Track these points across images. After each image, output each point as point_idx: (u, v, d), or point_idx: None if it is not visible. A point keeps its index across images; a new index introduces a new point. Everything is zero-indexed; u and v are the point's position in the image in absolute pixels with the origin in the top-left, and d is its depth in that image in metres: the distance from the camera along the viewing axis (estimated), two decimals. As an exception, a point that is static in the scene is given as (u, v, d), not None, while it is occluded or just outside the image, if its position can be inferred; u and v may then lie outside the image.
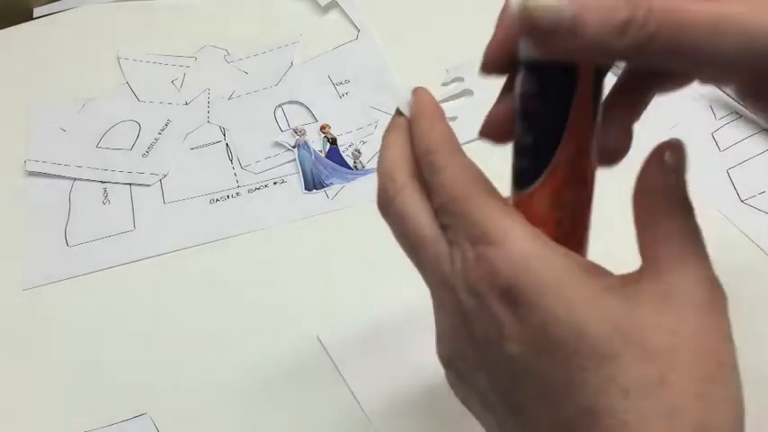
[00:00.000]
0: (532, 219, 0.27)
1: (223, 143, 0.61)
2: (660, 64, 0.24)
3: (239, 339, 0.48)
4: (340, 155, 0.58)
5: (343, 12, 0.72)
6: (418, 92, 0.30)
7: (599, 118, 0.27)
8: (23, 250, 0.54)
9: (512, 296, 0.25)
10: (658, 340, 0.23)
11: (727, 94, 0.59)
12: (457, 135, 0.63)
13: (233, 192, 0.57)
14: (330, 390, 0.44)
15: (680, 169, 0.26)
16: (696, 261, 0.25)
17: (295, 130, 0.60)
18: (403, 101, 0.30)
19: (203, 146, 0.61)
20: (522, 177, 0.28)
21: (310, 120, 0.62)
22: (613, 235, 0.51)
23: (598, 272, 0.25)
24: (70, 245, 0.54)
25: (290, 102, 0.64)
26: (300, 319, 0.48)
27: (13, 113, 0.65)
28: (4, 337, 0.49)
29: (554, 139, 0.26)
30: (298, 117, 0.62)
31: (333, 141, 0.59)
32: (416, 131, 0.29)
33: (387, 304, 0.47)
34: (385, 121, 0.60)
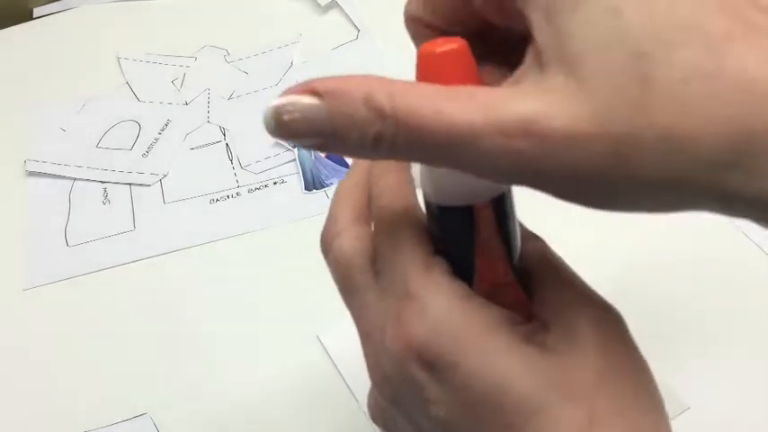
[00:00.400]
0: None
1: (223, 143, 0.61)
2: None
3: (239, 339, 0.48)
4: (340, 155, 0.58)
5: (343, 12, 0.72)
6: None
7: (516, 242, 0.27)
8: (23, 250, 0.54)
9: (429, 359, 0.24)
10: (578, 380, 0.23)
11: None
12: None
13: (233, 192, 0.57)
14: (330, 390, 0.44)
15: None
16: (585, 297, 0.25)
17: (295, 130, 0.60)
18: None
19: (203, 146, 0.61)
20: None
21: (310, 120, 0.62)
22: (608, 230, 0.51)
23: (515, 322, 0.25)
24: (70, 245, 0.54)
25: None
26: (300, 319, 0.48)
27: (13, 113, 0.65)
28: (4, 337, 0.49)
29: (469, 275, 0.26)
30: (298, 117, 0.62)
31: (333, 141, 0.59)
32: (372, 173, 0.29)
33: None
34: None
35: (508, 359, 0.23)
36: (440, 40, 0.23)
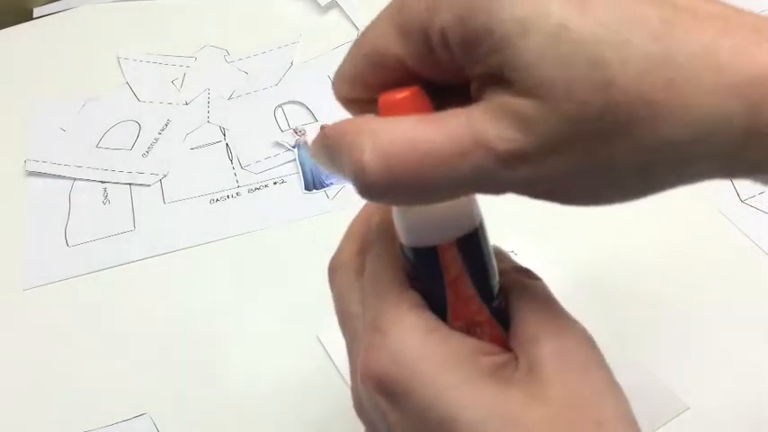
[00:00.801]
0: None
1: (223, 143, 0.61)
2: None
3: (239, 339, 0.48)
4: (340, 155, 0.58)
5: (343, 12, 0.72)
6: None
7: (491, 278, 0.27)
8: (23, 250, 0.54)
9: (388, 387, 0.25)
10: (533, 414, 0.23)
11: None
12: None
13: (233, 192, 0.57)
14: (330, 390, 0.44)
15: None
16: (552, 328, 0.26)
17: (295, 130, 0.61)
18: None
19: (203, 146, 0.61)
20: None
21: (310, 120, 0.62)
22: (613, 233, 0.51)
23: (484, 354, 0.26)
24: (70, 245, 0.54)
25: (290, 102, 0.64)
26: (300, 319, 0.48)
27: (13, 113, 0.65)
28: (4, 337, 0.49)
29: (443, 311, 0.27)
30: (298, 117, 0.62)
31: (333, 141, 0.59)
32: (368, 211, 0.31)
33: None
34: (385, 121, 0.60)
35: (462, 392, 0.24)
36: (396, 90, 0.24)
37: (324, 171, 0.25)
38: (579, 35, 0.20)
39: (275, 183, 0.57)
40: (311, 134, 0.60)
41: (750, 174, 0.22)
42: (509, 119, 0.21)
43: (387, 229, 0.28)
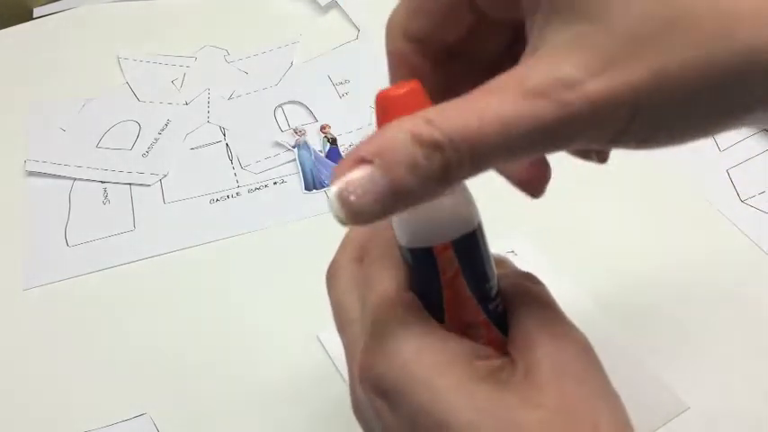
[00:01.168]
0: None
1: (223, 143, 0.61)
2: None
3: (239, 339, 0.48)
4: (340, 155, 0.58)
5: (343, 12, 0.72)
6: None
7: (489, 280, 0.27)
8: (23, 250, 0.54)
9: (384, 389, 0.26)
10: (527, 418, 0.23)
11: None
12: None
13: (233, 192, 0.57)
14: (330, 390, 0.44)
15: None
16: (550, 333, 0.25)
17: (295, 130, 0.61)
18: None
19: (203, 146, 0.61)
20: None
21: (310, 120, 0.62)
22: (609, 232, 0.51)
23: (479, 357, 0.26)
24: (70, 245, 0.54)
25: (290, 102, 0.64)
26: (300, 319, 0.48)
27: (13, 113, 0.65)
28: (4, 337, 0.49)
29: (440, 313, 0.27)
30: (298, 117, 0.62)
31: (333, 141, 0.59)
32: None
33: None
34: (385, 121, 0.60)
35: (455, 395, 0.24)
36: (394, 85, 0.24)
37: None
38: None
39: (275, 183, 0.57)
40: (311, 134, 0.60)
41: None
42: (579, 51, 0.20)
43: (385, 231, 0.29)
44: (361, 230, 0.31)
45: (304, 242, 0.53)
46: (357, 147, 0.22)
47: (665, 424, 0.41)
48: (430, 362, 0.25)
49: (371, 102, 0.63)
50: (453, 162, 0.21)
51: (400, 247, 0.27)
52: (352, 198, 0.21)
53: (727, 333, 0.45)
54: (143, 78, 0.67)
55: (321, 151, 0.59)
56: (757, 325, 0.45)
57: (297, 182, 0.57)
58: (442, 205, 0.25)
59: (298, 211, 0.55)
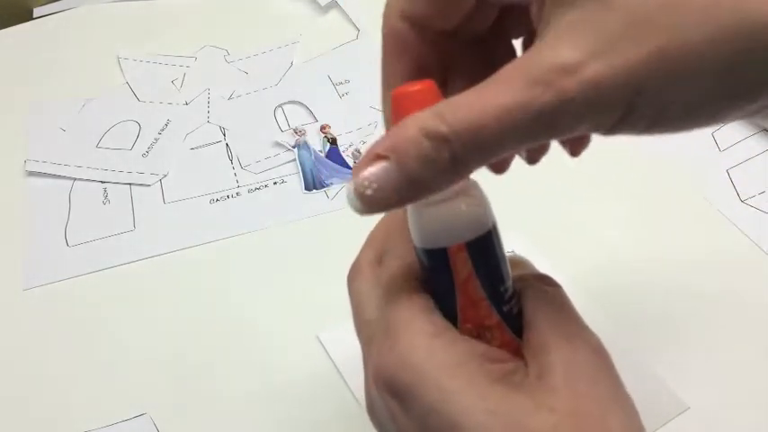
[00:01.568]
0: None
1: (223, 143, 0.61)
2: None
3: (239, 339, 0.48)
4: (340, 155, 0.58)
5: (343, 12, 0.72)
6: None
7: (503, 282, 0.27)
8: (23, 250, 0.54)
9: (396, 389, 0.26)
10: (537, 421, 0.23)
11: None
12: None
13: (233, 192, 0.57)
14: (330, 390, 0.44)
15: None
16: (564, 336, 0.25)
17: (295, 130, 0.61)
18: None
19: (203, 146, 0.61)
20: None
21: (310, 120, 0.62)
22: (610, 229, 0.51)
23: (491, 360, 0.26)
24: (70, 245, 0.54)
25: (290, 102, 0.64)
26: (300, 319, 0.48)
27: (13, 113, 0.65)
28: (4, 337, 0.49)
29: (454, 315, 0.27)
30: (298, 117, 0.62)
31: (333, 141, 0.59)
32: (386, 220, 0.32)
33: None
34: (385, 121, 0.60)
35: (466, 397, 0.24)
36: (408, 83, 0.25)
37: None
38: None
39: (275, 183, 0.57)
40: (311, 134, 0.60)
41: None
42: (580, 35, 0.20)
43: (404, 234, 0.29)
44: (382, 232, 0.31)
45: (304, 242, 0.53)
46: (374, 144, 0.23)
47: (665, 424, 0.41)
48: (441, 363, 0.25)
49: (371, 102, 0.63)
50: (460, 153, 0.22)
51: (415, 248, 0.27)
52: (369, 192, 0.23)
53: (727, 333, 0.45)
54: (143, 78, 0.67)
55: (321, 151, 0.59)
56: (757, 325, 0.45)
57: (297, 182, 0.57)
58: (456, 207, 0.25)
59: (298, 211, 0.55)
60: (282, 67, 0.67)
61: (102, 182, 0.59)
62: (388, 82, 0.28)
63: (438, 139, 0.22)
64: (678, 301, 0.46)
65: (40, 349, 0.49)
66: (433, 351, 0.25)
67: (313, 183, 0.56)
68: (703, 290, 0.47)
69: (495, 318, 0.27)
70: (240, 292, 0.50)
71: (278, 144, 0.60)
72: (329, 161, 0.58)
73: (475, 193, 0.26)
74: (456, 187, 0.25)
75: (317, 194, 0.56)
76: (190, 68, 0.68)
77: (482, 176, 0.28)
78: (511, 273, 0.27)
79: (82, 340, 0.49)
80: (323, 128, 0.60)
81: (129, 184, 0.58)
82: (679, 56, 0.20)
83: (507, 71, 0.21)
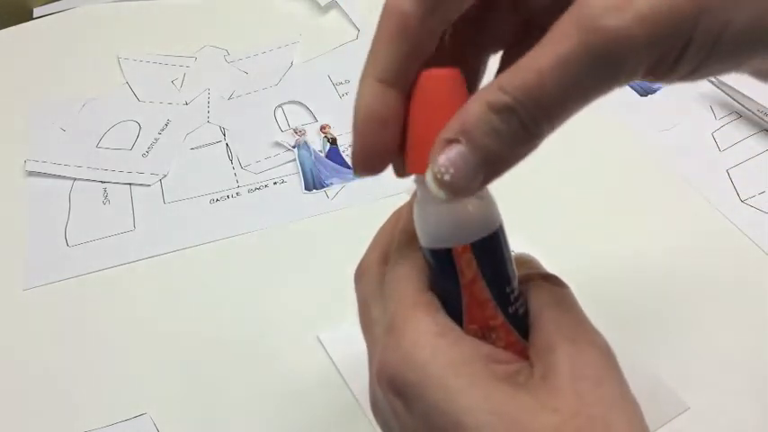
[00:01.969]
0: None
1: (223, 143, 0.61)
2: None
3: (239, 339, 0.48)
4: (340, 155, 0.58)
5: (343, 12, 0.72)
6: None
7: (509, 283, 0.27)
8: (23, 250, 0.54)
9: (399, 387, 0.26)
10: (540, 422, 0.23)
11: (728, 95, 0.59)
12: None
13: (233, 192, 0.57)
14: (330, 390, 0.44)
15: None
16: (569, 337, 0.25)
17: (295, 130, 0.61)
18: (411, 186, 0.31)
19: (203, 146, 0.61)
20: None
21: (310, 120, 0.62)
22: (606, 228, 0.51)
23: (496, 360, 0.26)
24: (70, 245, 0.54)
25: (290, 102, 0.64)
26: (300, 319, 0.48)
27: (13, 113, 0.65)
28: (4, 337, 0.49)
29: (460, 315, 0.27)
30: (298, 117, 0.62)
31: (333, 141, 0.59)
32: (392, 220, 0.31)
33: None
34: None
35: (468, 396, 0.24)
36: (437, 68, 0.25)
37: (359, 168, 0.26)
38: None
39: (275, 183, 0.57)
40: (311, 134, 0.60)
41: None
42: None
43: (410, 234, 0.29)
44: (388, 231, 0.31)
45: (304, 242, 0.53)
46: (443, 130, 0.23)
47: (665, 424, 0.41)
48: (445, 362, 0.25)
49: (371, 102, 0.63)
50: (528, 119, 0.21)
51: (421, 248, 0.27)
52: (447, 178, 0.23)
53: (727, 333, 0.45)
54: (143, 78, 0.67)
55: (321, 151, 0.59)
56: (757, 325, 0.45)
57: (297, 182, 0.57)
58: (461, 207, 0.25)
59: (298, 211, 0.55)
60: (282, 67, 0.67)
61: (102, 182, 0.59)
62: (379, 63, 0.26)
63: (504, 110, 0.21)
64: (678, 301, 0.46)
65: (40, 349, 0.49)
66: (438, 350, 0.25)
67: (313, 183, 0.56)
68: (703, 290, 0.47)
69: (500, 319, 0.27)
70: (240, 291, 0.50)
71: (278, 144, 0.60)
72: (329, 161, 0.58)
73: (481, 193, 0.26)
74: None
75: (317, 194, 0.56)
76: (190, 68, 0.68)
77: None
78: (517, 273, 0.27)
79: (82, 340, 0.49)
80: (323, 128, 0.60)
81: (129, 184, 0.58)
82: None
83: (557, 26, 0.21)
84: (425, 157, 0.24)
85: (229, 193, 0.57)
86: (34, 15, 0.76)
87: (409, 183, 0.27)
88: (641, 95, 0.60)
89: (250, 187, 0.57)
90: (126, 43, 0.71)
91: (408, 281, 0.28)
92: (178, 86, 0.66)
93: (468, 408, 0.24)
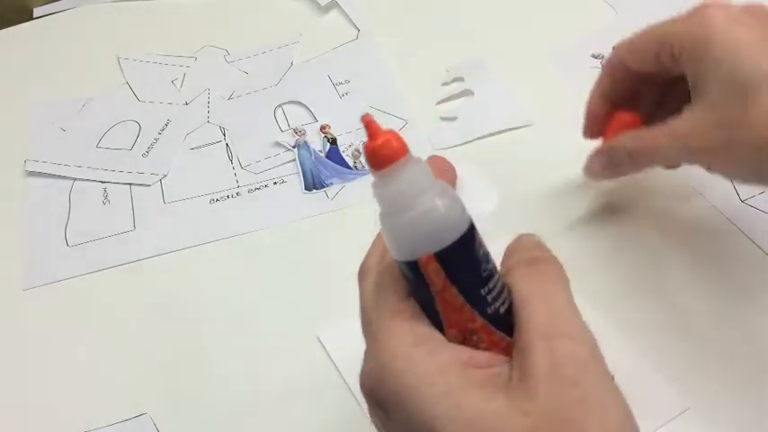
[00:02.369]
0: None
1: (223, 143, 0.61)
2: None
3: (239, 339, 0.48)
4: (340, 155, 0.58)
5: (343, 12, 0.72)
6: None
7: (484, 285, 0.27)
8: (23, 250, 0.54)
9: (379, 398, 0.26)
10: (511, 426, 0.24)
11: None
12: (457, 135, 0.63)
13: (233, 192, 0.57)
14: (330, 390, 0.44)
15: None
16: (548, 335, 0.25)
17: (295, 130, 0.61)
18: None
19: (203, 146, 0.61)
20: None
21: (310, 120, 0.62)
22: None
23: (473, 367, 0.26)
24: (70, 245, 0.54)
25: (290, 102, 0.64)
26: (300, 319, 0.48)
27: (13, 113, 0.65)
28: (4, 337, 0.49)
29: (439, 321, 0.27)
30: (298, 117, 0.62)
31: (333, 141, 0.59)
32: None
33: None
34: (385, 121, 0.60)
35: (443, 406, 0.24)
36: (622, 113, 0.46)
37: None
38: (742, 66, 0.37)
39: (275, 183, 0.57)
40: (311, 134, 0.60)
41: None
42: (689, 120, 0.40)
43: None
44: None
45: (304, 242, 0.53)
46: (608, 143, 0.46)
47: (665, 424, 0.41)
48: (420, 372, 0.25)
49: (371, 102, 0.63)
50: (632, 160, 0.44)
51: (395, 260, 0.27)
52: (594, 169, 0.47)
53: (727, 333, 0.45)
54: (143, 78, 0.67)
55: (321, 151, 0.59)
56: (757, 325, 0.45)
57: (297, 182, 0.57)
58: (420, 218, 0.25)
59: (298, 211, 0.55)
60: (282, 67, 0.67)
61: (102, 182, 0.59)
62: (598, 92, 0.47)
63: (625, 152, 0.43)
64: (678, 300, 0.46)
65: (40, 349, 0.49)
66: (413, 361, 0.26)
67: (313, 183, 0.56)
68: (703, 290, 0.47)
69: (479, 321, 0.26)
70: (240, 291, 0.50)
71: (278, 144, 0.60)
72: (329, 161, 0.58)
73: (441, 201, 0.26)
74: (425, 192, 0.26)
75: (317, 194, 0.56)
76: (190, 68, 0.68)
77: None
78: (501, 266, 0.27)
79: (82, 340, 0.49)
80: (323, 128, 0.61)
81: (129, 184, 0.58)
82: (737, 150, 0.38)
83: (662, 126, 0.41)
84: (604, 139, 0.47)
85: (229, 193, 0.57)
86: (34, 15, 0.76)
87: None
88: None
89: (250, 187, 0.57)
90: (126, 43, 0.71)
91: (390, 290, 0.28)
92: (178, 86, 0.66)
93: (442, 417, 0.24)
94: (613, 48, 0.44)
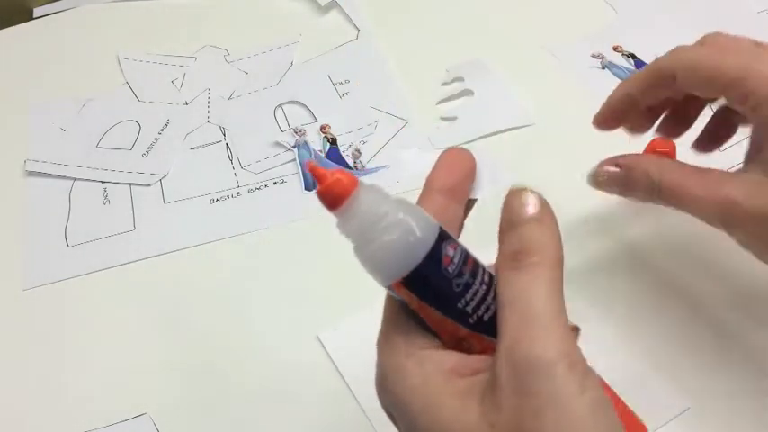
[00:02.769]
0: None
1: (223, 143, 0.61)
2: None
3: (239, 339, 0.48)
4: (340, 155, 0.58)
5: (343, 12, 0.72)
6: None
7: (462, 296, 0.27)
8: (23, 250, 0.54)
9: (384, 405, 0.28)
10: None
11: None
12: (457, 135, 0.63)
13: (233, 192, 0.57)
14: (330, 390, 0.44)
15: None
16: (515, 341, 0.25)
17: (295, 130, 0.61)
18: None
19: (203, 146, 0.61)
20: None
21: (310, 120, 0.62)
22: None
23: (459, 376, 0.26)
24: (70, 245, 0.54)
25: (290, 102, 0.64)
26: (300, 319, 0.48)
27: (13, 113, 0.65)
28: (4, 337, 0.49)
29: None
30: (298, 117, 0.62)
31: (333, 141, 0.59)
32: None
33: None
34: (385, 121, 0.60)
35: (423, 418, 0.25)
36: (658, 140, 0.45)
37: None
38: None
39: (275, 183, 0.57)
40: (311, 134, 0.60)
41: None
42: (742, 184, 0.38)
43: None
44: None
45: (304, 242, 0.53)
46: (623, 155, 0.42)
47: (665, 424, 0.41)
48: (409, 384, 0.26)
49: (371, 102, 0.63)
50: (654, 194, 0.39)
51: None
52: (600, 179, 0.42)
53: (727, 333, 0.45)
54: (143, 78, 0.67)
55: (321, 151, 0.59)
56: (757, 325, 0.45)
57: (297, 182, 0.57)
58: (381, 247, 0.26)
59: (298, 211, 0.55)
60: (282, 67, 0.67)
61: (102, 182, 0.59)
62: (628, 86, 0.43)
63: (650, 185, 0.39)
64: (678, 300, 0.46)
65: (40, 349, 0.49)
66: (404, 372, 0.26)
67: (313, 183, 0.56)
68: (703, 290, 0.47)
69: (463, 330, 0.27)
70: (240, 291, 0.50)
71: (278, 144, 0.60)
72: (329, 161, 0.58)
73: (397, 230, 0.26)
74: (381, 220, 0.26)
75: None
76: (190, 68, 0.68)
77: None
78: (481, 270, 0.27)
79: (82, 340, 0.49)
80: (323, 128, 0.61)
81: (129, 184, 0.58)
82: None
83: (704, 173, 0.39)
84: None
85: (229, 193, 0.57)
86: (34, 15, 0.76)
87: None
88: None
89: (250, 187, 0.57)
90: (126, 43, 0.71)
91: (390, 300, 0.29)
92: (178, 86, 0.66)
93: (423, 429, 0.25)
94: (673, 54, 0.40)
